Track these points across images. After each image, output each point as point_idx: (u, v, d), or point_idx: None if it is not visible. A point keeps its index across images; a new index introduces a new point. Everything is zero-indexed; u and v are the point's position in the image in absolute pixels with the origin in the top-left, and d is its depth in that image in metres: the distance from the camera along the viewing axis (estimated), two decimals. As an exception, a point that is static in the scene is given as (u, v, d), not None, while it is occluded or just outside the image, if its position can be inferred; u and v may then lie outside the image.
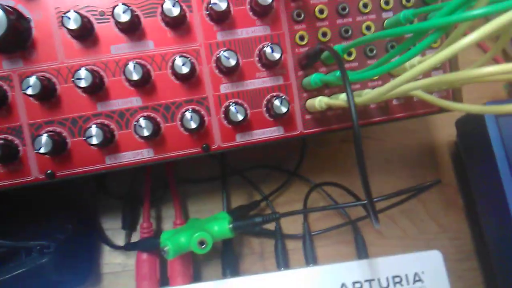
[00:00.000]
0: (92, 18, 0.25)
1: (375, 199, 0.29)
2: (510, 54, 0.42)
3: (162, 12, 0.25)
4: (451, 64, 0.30)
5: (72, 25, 0.24)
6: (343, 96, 0.24)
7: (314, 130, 0.28)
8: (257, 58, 0.27)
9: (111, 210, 0.35)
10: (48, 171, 0.25)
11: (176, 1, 0.24)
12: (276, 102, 0.26)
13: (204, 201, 0.36)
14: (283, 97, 0.26)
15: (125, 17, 0.24)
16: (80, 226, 0.33)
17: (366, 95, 0.19)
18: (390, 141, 0.40)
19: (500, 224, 0.32)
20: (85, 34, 0.25)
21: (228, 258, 0.33)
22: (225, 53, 0.25)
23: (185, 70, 0.25)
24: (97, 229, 0.35)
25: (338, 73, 0.24)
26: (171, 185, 0.34)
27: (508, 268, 0.33)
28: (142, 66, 0.25)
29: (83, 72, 0.24)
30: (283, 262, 0.34)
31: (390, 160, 0.39)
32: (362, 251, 0.35)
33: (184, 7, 0.26)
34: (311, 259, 0.34)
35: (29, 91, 0.23)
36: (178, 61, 0.25)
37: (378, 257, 0.33)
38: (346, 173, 0.38)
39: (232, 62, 0.25)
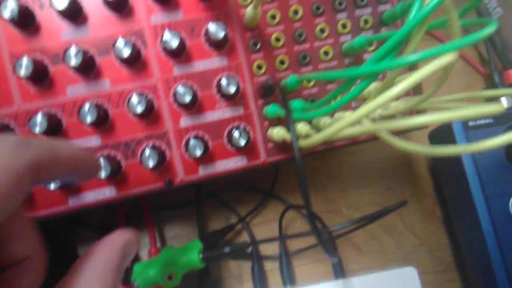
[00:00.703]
0: (46, 61, 0.25)
1: (333, 229, 0.29)
2: (485, 57, 0.41)
3: (116, 51, 0.25)
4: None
5: (24, 72, 0.24)
6: (300, 127, 0.24)
7: (277, 158, 0.28)
8: (215, 89, 0.27)
9: (87, 239, 0.35)
10: (12, 215, 0.25)
11: (128, 40, 0.24)
12: (235, 134, 0.26)
13: (181, 226, 0.37)
14: (242, 129, 0.26)
15: (77, 60, 0.24)
16: (56, 255, 0.33)
17: (310, 140, 0.19)
18: (366, 155, 0.39)
19: (472, 235, 0.32)
20: (40, 77, 0.25)
21: (206, 282, 0.33)
22: (181, 89, 0.25)
23: (139, 109, 0.25)
24: (74, 259, 0.35)
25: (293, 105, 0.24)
26: (145, 213, 0.34)
27: (482, 280, 0.33)
28: (98, 106, 0.25)
29: (38, 118, 0.24)
30: (260, 285, 0.34)
31: (366, 174, 0.39)
32: (338, 271, 0.35)
33: (138, 43, 0.26)
34: (288, 280, 0.34)
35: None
36: (134, 99, 0.25)
37: (354, 276, 0.33)
38: (321, 188, 0.38)
39: (188, 98, 0.25)
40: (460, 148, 0.17)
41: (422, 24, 0.15)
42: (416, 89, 0.30)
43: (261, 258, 0.35)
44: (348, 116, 0.16)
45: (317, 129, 0.24)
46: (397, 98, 0.15)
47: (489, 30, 0.16)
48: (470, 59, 0.42)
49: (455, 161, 0.32)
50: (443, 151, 0.17)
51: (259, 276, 0.34)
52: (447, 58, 0.15)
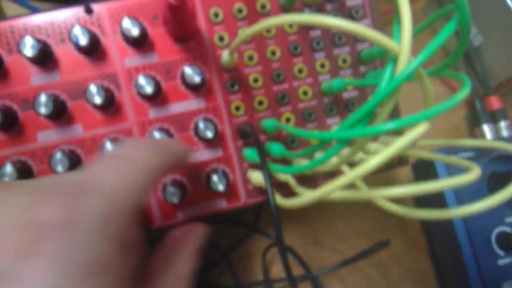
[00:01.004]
0: (15, 107, 0.24)
1: (317, 273, 0.28)
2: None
3: (88, 96, 0.24)
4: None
5: (-10, 120, 0.23)
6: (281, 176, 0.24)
7: (258, 199, 0.27)
8: (193, 132, 0.26)
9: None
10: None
11: (100, 86, 0.24)
12: (214, 178, 0.25)
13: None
14: (221, 173, 0.26)
15: (47, 109, 0.23)
16: None
17: (289, 202, 0.18)
18: (350, 184, 0.39)
19: (455, 265, 0.32)
20: (9, 124, 0.24)
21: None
22: (156, 133, 0.25)
23: (114, 156, 0.24)
24: None
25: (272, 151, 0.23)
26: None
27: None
28: (70, 153, 0.24)
29: (8, 168, 0.23)
30: (243, 323, 0.33)
31: (352, 205, 0.38)
32: (323, 307, 0.34)
33: (112, 87, 0.25)
34: (272, 318, 0.33)
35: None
36: (108, 144, 0.24)
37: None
38: (307, 220, 0.38)
39: (164, 143, 0.24)
40: (452, 212, 0.16)
41: (393, 94, 0.14)
42: (394, 113, 0.29)
43: (244, 294, 0.35)
44: (325, 187, 0.15)
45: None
46: (371, 172, 0.14)
47: (462, 95, 0.15)
48: (452, 85, 0.42)
49: (439, 197, 0.32)
50: (435, 215, 0.17)
51: (243, 314, 0.33)
52: (421, 129, 0.14)
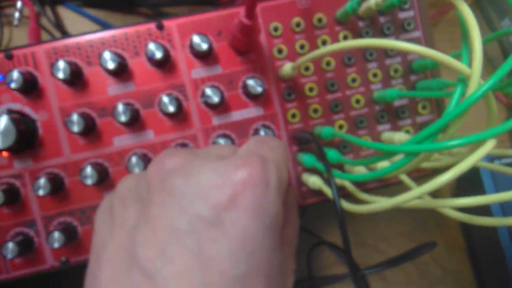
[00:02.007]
0: (93, 115, 0.27)
1: (368, 270, 0.30)
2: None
3: (160, 105, 0.26)
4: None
5: (75, 128, 0.25)
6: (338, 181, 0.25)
7: (311, 200, 0.29)
8: (252, 138, 0.28)
9: None
10: (63, 259, 0.27)
11: (173, 97, 0.26)
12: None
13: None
14: (278, 176, 0.28)
15: (125, 117, 0.25)
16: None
17: (360, 208, 0.20)
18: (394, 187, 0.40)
19: (497, 270, 0.33)
20: (88, 130, 0.27)
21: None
22: (220, 140, 0.27)
23: (183, 160, 0.26)
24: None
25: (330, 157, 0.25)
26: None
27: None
28: (143, 157, 0.26)
29: (88, 170, 0.26)
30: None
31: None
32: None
33: (180, 97, 0.27)
34: (317, 312, 0.35)
35: (40, 192, 0.25)
36: (177, 150, 0.26)
37: (382, 308, 0.34)
38: (351, 220, 0.39)
39: (228, 149, 0.26)
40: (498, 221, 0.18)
41: (462, 114, 0.16)
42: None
43: None
44: (402, 196, 0.17)
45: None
46: (444, 185, 0.16)
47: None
48: (500, 97, 0.43)
49: (477, 185, 0.33)
50: (482, 222, 0.18)
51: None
52: (490, 145, 0.16)
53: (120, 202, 0.19)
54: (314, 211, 0.39)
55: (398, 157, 0.22)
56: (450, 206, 0.17)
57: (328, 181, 0.21)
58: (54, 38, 0.27)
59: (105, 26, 0.38)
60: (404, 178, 0.23)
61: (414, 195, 0.16)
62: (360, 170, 0.26)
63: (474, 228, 0.37)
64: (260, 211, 0.17)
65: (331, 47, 0.20)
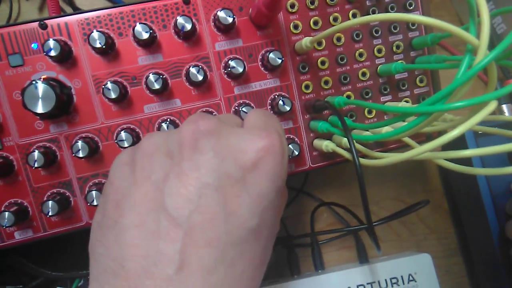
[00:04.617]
0: (125, 83, 0.29)
1: (375, 223, 0.34)
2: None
3: (187, 75, 0.29)
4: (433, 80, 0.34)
5: (111, 95, 0.27)
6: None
7: (320, 164, 0.33)
8: (269, 107, 0.31)
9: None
10: (96, 217, 0.30)
11: (200, 67, 0.28)
12: (290, 147, 0.30)
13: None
14: (293, 141, 0.31)
15: (158, 85, 0.28)
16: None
17: (377, 161, 0.23)
18: (383, 154, 0.44)
19: (478, 224, 0.38)
20: (121, 97, 0.29)
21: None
22: (244, 109, 0.29)
23: (210, 125, 0.29)
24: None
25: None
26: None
27: (486, 262, 0.38)
28: (172, 123, 0.29)
29: (123, 134, 0.28)
30: (295, 270, 0.39)
31: (383, 172, 0.44)
32: (363, 257, 0.40)
33: (205, 68, 0.29)
34: (320, 266, 0.39)
35: (80, 154, 0.27)
36: (203, 117, 0.29)
37: (377, 262, 0.38)
38: (345, 185, 0.43)
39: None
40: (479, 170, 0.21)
41: (469, 81, 0.19)
42: (435, 89, 0.34)
43: (294, 246, 0.40)
44: (416, 149, 0.20)
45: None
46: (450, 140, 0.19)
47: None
48: (481, 76, 0.47)
49: (465, 162, 0.37)
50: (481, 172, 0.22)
51: (295, 263, 0.39)
52: (492, 106, 0.19)
53: (146, 156, 0.20)
54: (315, 177, 0.42)
55: (411, 118, 0.25)
56: (455, 157, 0.20)
57: (348, 141, 0.24)
58: (84, 10, 0.28)
59: (114, 2, 0.40)
60: (408, 140, 0.27)
61: (428, 148, 0.19)
62: (381, 130, 0.29)
63: (456, 191, 0.41)
64: (276, 175, 0.20)
65: (358, 20, 0.23)
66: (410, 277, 0.37)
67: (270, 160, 0.19)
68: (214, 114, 0.30)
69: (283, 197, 0.23)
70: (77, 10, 0.38)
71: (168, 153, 0.20)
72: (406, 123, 0.23)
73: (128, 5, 0.29)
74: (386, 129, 0.26)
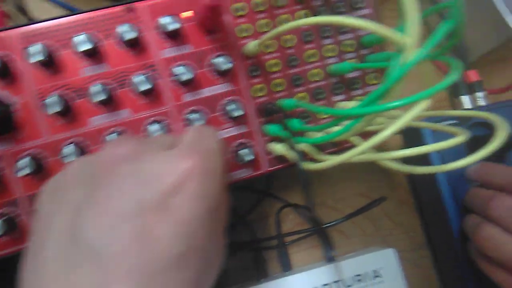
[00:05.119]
0: (70, 96, 0.28)
1: (329, 224, 0.34)
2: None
3: (134, 84, 0.28)
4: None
5: (54, 109, 0.26)
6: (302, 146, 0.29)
7: (278, 166, 0.32)
8: (221, 112, 0.31)
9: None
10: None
11: (148, 75, 0.28)
12: (242, 152, 0.30)
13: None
14: (247, 146, 0.30)
15: (101, 96, 0.27)
16: None
17: (317, 165, 0.23)
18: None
19: (439, 218, 0.38)
20: (65, 111, 0.28)
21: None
22: (192, 115, 0.29)
23: (157, 133, 0.28)
24: None
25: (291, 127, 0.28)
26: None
27: (448, 255, 0.39)
28: (121, 134, 0.28)
29: (69, 149, 0.27)
30: (262, 273, 0.39)
31: (350, 169, 0.44)
32: (329, 255, 0.40)
33: (153, 76, 0.29)
34: (286, 267, 0.39)
35: (22, 172, 0.26)
36: (151, 128, 0.28)
37: (343, 259, 0.38)
38: (313, 189, 0.43)
39: (199, 122, 0.29)
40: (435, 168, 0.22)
41: (401, 79, 0.19)
42: None
43: (261, 249, 0.40)
44: (349, 153, 0.20)
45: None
46: (384, 140, 0.19)
47: (454, 76, 0.20)
48: (439, 64, 0.47)
49: (426, 158, 0.38)
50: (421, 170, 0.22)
51: (262, 265, 0.39)
52: (423, 105, 0.19)
53: (67, 184, 0.20)
54: (280, 178, 0.42)
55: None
56: (390, 158, 0.20)
57: (290, 145, 0.24)
58: (27, 23, 0.27)
59: (69, 9, 0.39)
60: (354, 139, 0.27)
61: (360, 150, 0.19)
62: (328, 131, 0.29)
63: (418, 185, 0.42)
64: (203, 196, 0.19)
65: (290, 24, 0.22)
66: (376, 273, 0.38)
67: (194, 181, 0.19)
68: (141, 136, 0.30)
69: (219, 214, 0.22)
70: (31, 20, 0.37)
71: (87, 180, 0.20)
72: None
73: (71, 15, 0.28)
74: (336, 129, 0.26)
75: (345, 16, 0.23)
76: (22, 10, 0.35)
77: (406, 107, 0.20)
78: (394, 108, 0.19)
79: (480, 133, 0.38)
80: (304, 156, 0.30)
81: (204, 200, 0.19)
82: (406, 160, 0.44)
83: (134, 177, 0.19)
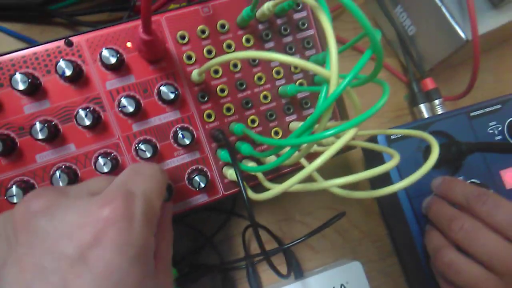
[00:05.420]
0: (13, 135, 0.27)
1: (289, 245, 0.34)
2: (404, 64, 0.47)
3: (77, 120, 0.28)
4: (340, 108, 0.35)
5: (-6, 150, 0.26)
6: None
7: (234, 190, 0.32)
8: (172, 140, 0.30)
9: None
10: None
11: (90, 109, 0.27)
12: (196, 178, 0.30)
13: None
14: (201, 172, 0.30)
15: (43, 134, 0.27)
16: None
17: (261, 195, 0.23)
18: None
19: (401, 229, 0.39)
20: (7, 150, 0.27)
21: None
22: (142, 145, 0.29)
23: (106, 168, 0.28)
24: None
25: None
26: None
27: (413, 261, 0.39)
28: (67, 170, 0.28)
29: (13, 189, 0.27)
30: (231, 294, 0.38)
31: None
32: (297, 271, 0.40)
33: (97, 109, 0.29)
34: (255, 287, 0.39)
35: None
36: (101, 161, 0.28)
37: (312, 275, 0.38)
38: (276, 200, 0.43)
39: (149, 153, 0.29)
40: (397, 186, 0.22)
41: (328, 109, 0.19)
42: (342, 114, 0.35)
43: (229, 269, 0.40)
44: (296, 177, 0.20)
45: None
46: (318, 168, 0.19)
47: (382, 102, 0.21)
48: (393, 70, 0.48)
49: (379, 161, 0.38)
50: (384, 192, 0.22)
51: (232, 286, 0.39)
52: (351, 133, 0.19)
53: None
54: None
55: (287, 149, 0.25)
56: (326, 187, 0.20)
57: (236, 174, 0.24)
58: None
59: (22, 39, 0.38)
60: (303, 161, 0.27)
61: (293, 182, 0.19)
62: (272, 159, 0.29)
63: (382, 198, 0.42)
64: (124, 244, 0.18)
65: (221, 58, 0.22)
66: (342, 286, 0.38)
67: (111, 230, 0.18)
68: (64, 185, 0.29)
69: (149, 257, 0.21)
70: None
71: (8, 236, 0.19)
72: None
73: (7, 53, 0.27)
74: (270, 159, 0.27)
75: (274, 52, 0.23)
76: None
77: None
78: (324, 138, 0.19)
79: (439, 141, 0.39)
80: (254, 182, 0.30)
81: (125, 248, 0.18)
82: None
83: (50, 231, 0.18)
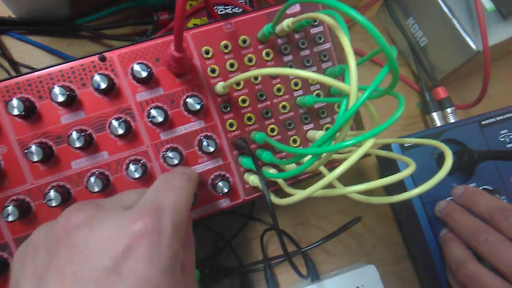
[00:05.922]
0: (50, 143, 0.30)
1: (307, 248, 0.35)
2: (416, 73, 0.48)
3: (110, 129, 0.30)
4: (355, 116, 0.36)
5: (34, 158, 0.28)
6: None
7: (254, 195, 0.34)
8: (197, 148, 0.32)
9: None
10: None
11: (122, 119, 0.29)
12: (219, 184, 0.32)
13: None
14: (223, 178, 0.32)
15: (79, 142, 0.29)
16: None
17: (285, 200, 0.25)
18: (327, 171, 0.46)
19: (415, 234, 0.40)
20: (46, 157, 0.29)
21: (203, 300, 0.39)
22: (170, 153, 0.31)
23: (137, 174, 0.30)
24: None
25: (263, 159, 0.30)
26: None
27: (427, 266, 0.40)
28: (100, 176, 0.30)
29: (51, 193, 0.29)
30: (250, 296, 0.40)
31: (329, 187, 0.46)
32: (313, 274, 0.41)
33: (128, 119, 0.31)
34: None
35: (10, 218, 0.28)
36: (132, 168, 0.30)
37: (328, 278, 0.40)
38: (292, 205, 0.45)
39: (176, 160, 0.31)
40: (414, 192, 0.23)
41: (348, 121, 0.21)
42: (357, 123, 0.36)
43: (248, 272, 0.42)
44: (318, 184, 0.22)
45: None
46: (338, 176, 0.21)
47: (398, 113, 0.22)
48: (405, 78, 0.49)
49: (394, 169, 0.39)
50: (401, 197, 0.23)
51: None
52: (369, 144, 0.21)
53: (33, 249, 0.22)
54: (263, 202, 0.44)
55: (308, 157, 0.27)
56: (346, 193, 0.22)
57: (261, 181, 0.25)
58: (5, 78, 0.29)
59: (50, 52, 0.41)
60: (322, 169, 0.29)
61: (316, 188, 0.21)
62: (291, 167, 0.31)
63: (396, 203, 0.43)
64: (155, 256, 0.20)
65: (245, 74, 0.24)
66: (358, 289, 0.39)
67: (144, 243, 0.19)
68: (100, 199, 0.31)
69: (177, 266, 0.22)
70: (14, 63, 0.39)
71: (48, 247, 0.21)
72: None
73: (46, 68, 0.30)
74: (290, 167, 0.28)
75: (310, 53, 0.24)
76: (5, 55, 0.37)
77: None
78: (343, 148, 0.21)
79: (451, 149, 0.40)
80: (275, 187, 0.32)
81: (156, 260, 0.19)
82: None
83: (88, 243, 0.20)
